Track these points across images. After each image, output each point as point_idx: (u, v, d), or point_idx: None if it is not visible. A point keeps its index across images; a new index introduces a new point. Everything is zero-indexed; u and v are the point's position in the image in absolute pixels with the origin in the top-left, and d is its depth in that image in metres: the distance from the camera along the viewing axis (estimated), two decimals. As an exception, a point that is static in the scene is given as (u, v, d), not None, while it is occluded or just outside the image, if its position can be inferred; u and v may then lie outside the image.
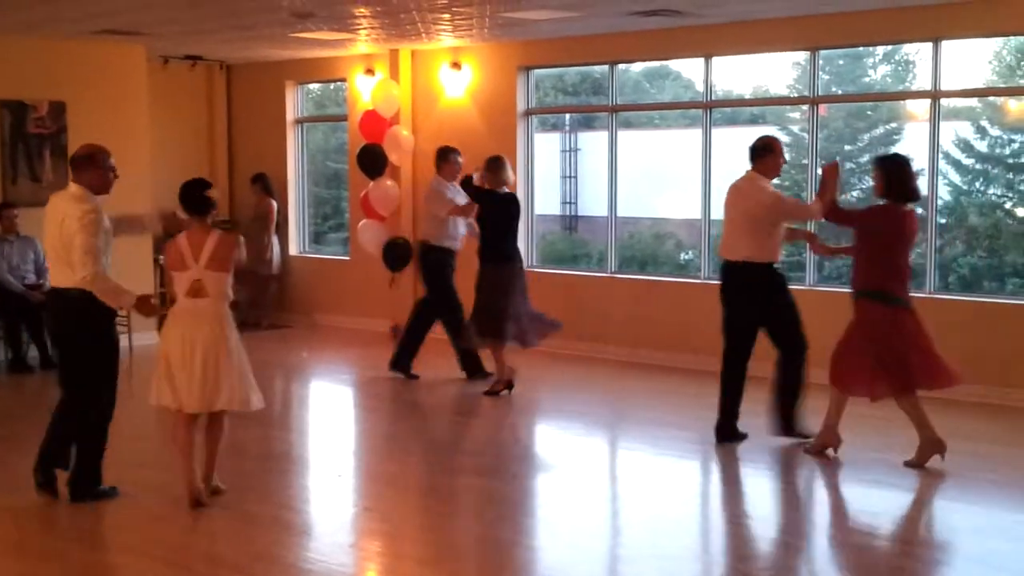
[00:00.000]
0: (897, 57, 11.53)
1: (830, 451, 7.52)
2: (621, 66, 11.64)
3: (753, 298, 7.74)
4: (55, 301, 6.57)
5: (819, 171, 10.01)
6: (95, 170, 6.60)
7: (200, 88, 14.22)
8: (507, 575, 5.64)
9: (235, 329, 6.52)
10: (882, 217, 7.30)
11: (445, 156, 9.94)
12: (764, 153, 7.73)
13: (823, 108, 10.75)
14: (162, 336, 6.55)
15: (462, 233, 9.98)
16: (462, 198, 9.67)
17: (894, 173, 7.29)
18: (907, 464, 7.25)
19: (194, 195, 6.49)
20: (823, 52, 10.32)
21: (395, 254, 12.33)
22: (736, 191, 7.79)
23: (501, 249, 9.36)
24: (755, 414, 8.04)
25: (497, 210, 9.38)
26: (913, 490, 7.14)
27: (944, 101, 9.63)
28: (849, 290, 7.53)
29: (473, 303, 9.42)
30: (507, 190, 9.46)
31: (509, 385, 9.45)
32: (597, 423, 9.00)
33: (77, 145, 11.36)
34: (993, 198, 11.29)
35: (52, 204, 6.61)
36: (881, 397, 7.37)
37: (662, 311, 10.88)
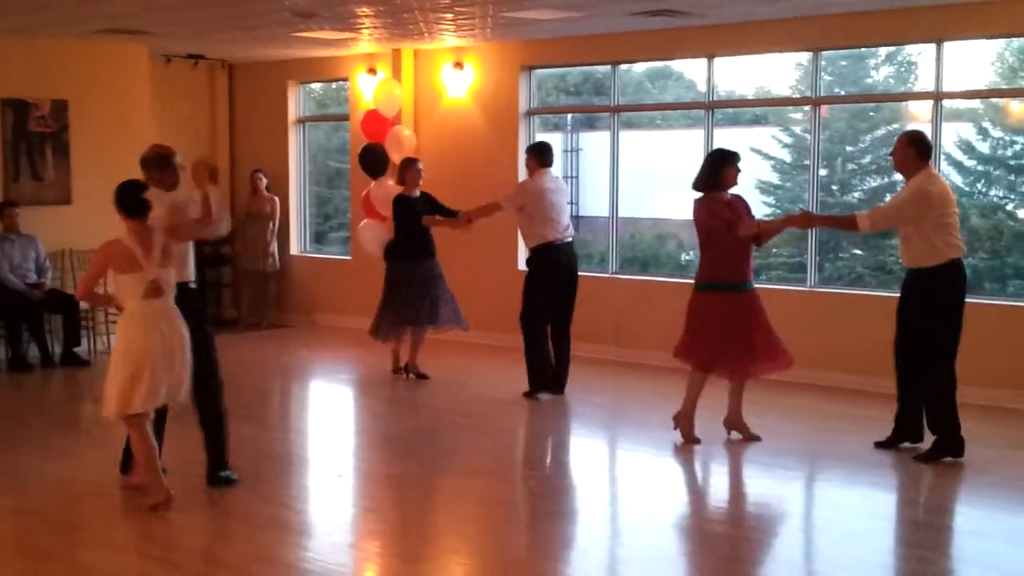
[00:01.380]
0: (899, 58, 11.55)
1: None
2: (623, 66, 11.64)
3: None
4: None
5: (820, 172, 10.01)
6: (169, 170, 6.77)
7: (202, 87, 14.22)
8: (506, 576, 5.64)
9: None
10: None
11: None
12: None
13: (825, 109, 10.76)
14: (133, 339, 6.33)
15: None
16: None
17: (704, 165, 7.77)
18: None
19: (131, 198, 6.36)
20: (825, 53, 10.32)
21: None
22: None
23: (414, 246, 9.96)
24: (758, 415, 8.04)
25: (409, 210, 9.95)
26: (913, 492, 7.14)
27: (946, 102, 9.62)
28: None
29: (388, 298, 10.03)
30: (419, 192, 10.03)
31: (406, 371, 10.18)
32: (597, 424, 9.00)
33: (79, 144, 11.59)
34: (995, 199, 11.30)
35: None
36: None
37: (663, 312, 10.85)
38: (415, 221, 9.90)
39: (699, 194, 7.76)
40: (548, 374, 9.34)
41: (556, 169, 9.91)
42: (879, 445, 7.61)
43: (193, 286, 6.78)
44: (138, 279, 6.25)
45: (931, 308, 7.28)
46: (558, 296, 9.27)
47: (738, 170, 7.76)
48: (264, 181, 13.55)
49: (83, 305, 11.04)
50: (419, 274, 9.94)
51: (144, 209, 6.34)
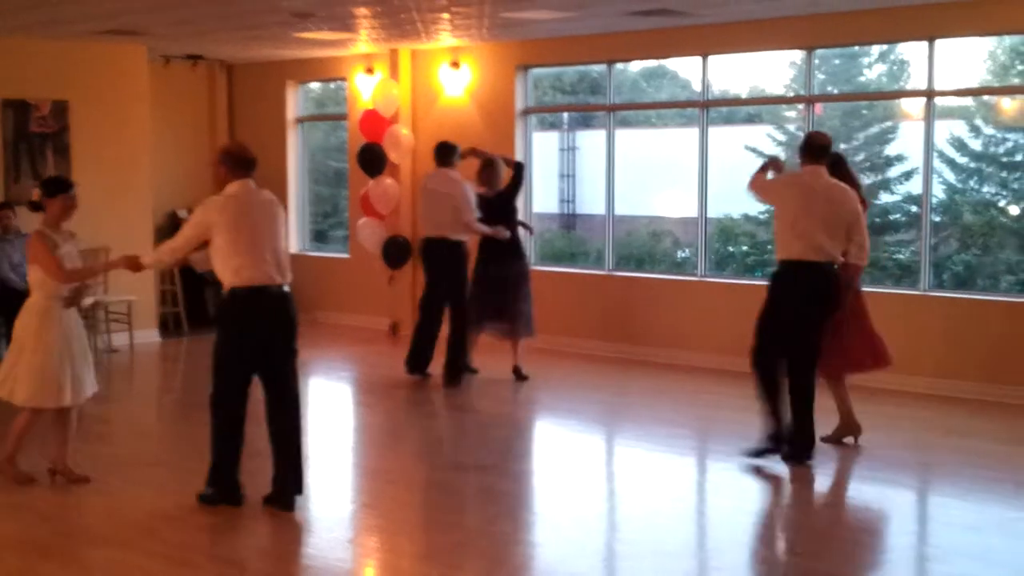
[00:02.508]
0: (892, 56, 11.61)
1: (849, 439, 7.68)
2: (619, 65, 11.71)
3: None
4: (285, 302, 6.39)
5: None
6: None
7: (201, 87, 14.28)
8: (506, 571, 5.69)
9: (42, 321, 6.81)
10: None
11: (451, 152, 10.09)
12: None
13: (819, 107, 10.82)
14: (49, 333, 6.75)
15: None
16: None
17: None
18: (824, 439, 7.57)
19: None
20: (819, 51, 10.38)
21: (394, 252, 12.42)
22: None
23: (503, 246, 9.68)
24: (748, 409, 8.10)
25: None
26: (909, 487, 7.21)
27: (938, 100, 9.68)
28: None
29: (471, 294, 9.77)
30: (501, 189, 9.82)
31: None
32: (594, 420, 9.07)
33: (79, 144, 11.64)
34: (987, 196, 11.36)
35: (257, 201, 6.44)
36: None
37: (659, 308, 10.95)
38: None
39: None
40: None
41: (553, 167, 10.04)
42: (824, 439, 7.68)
43: None
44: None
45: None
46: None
47: None
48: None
49: (84, 303, 11.09)
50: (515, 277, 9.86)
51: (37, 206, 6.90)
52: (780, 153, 12.61)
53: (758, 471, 7.30)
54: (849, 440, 7.70)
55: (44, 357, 6.68)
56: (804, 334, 7.19)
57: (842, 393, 7.64)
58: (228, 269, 6.24)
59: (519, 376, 9.88)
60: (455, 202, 9.59)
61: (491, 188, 9.88)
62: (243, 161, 6.45)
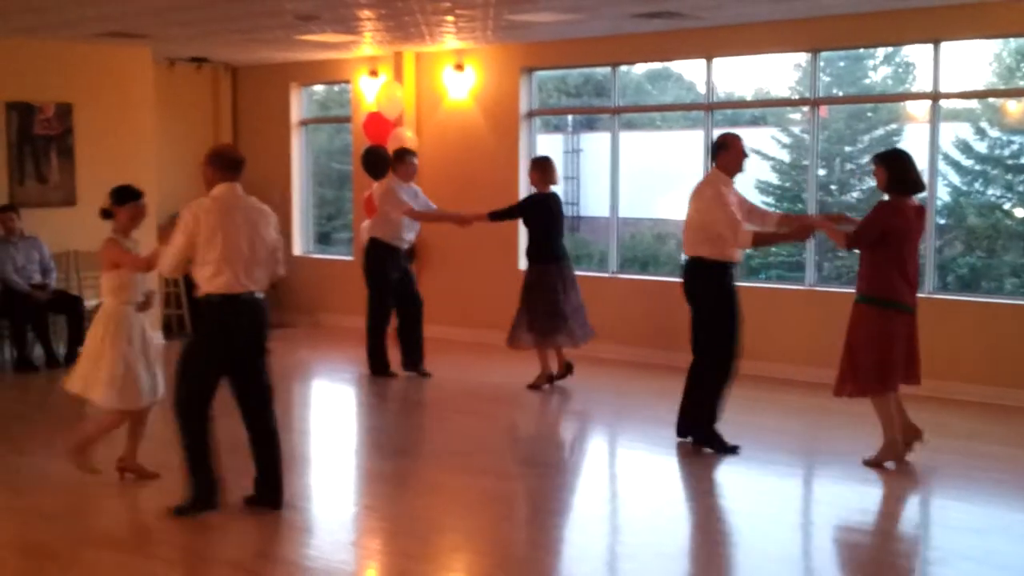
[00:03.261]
0: (897, 59, 11.60)
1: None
2: (623, 68, 11.70)
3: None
4: (256, 310, 6.35)
5: (819, 172, 10.06)
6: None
7: (206, 90, 14.30)
8: (508, 573, 5.68)
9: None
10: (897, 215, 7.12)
11: (402, 158, 10.25)
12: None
13: (824, 109, 10.81)
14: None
15: (412, 233, 10.35)
16: (416, 200, 10.14)
17: (896, 167, 7.15)
18: (867, 463, 7.32)
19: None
20: (824, 54, 10.37)
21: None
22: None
23: (548, 248, 9.60)
24: (755, 412, 8.09)
25: (540, 210, 9.63)
26: (913, 489, 7.19)
27: (944, 102, 9.68)
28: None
29: (523, 303, 9.64)
30: (552, 189, 9.75)
31: (550, 378, 9.76)
32: (597, 422, 9.06)
33: (83, 147, 11.66)
34: (992, 199, 11.34)
35: (239, 206, 6.28)
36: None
37: (663, 311, 10.92)
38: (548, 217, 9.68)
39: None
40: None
41: (558, 170, 10.02)
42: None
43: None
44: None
45: None
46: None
47: None
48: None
49: (88, 305, 11.12)
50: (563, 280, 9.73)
51: (107, 214, 6.97)
52: (784, 155, 12.62)
53: (759, 473, 7.29)
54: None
55: (124, 361, 6.81)
56: None
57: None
58: (202, 274, 6.21)
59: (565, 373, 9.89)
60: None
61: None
62: (230, 163, 6.36)
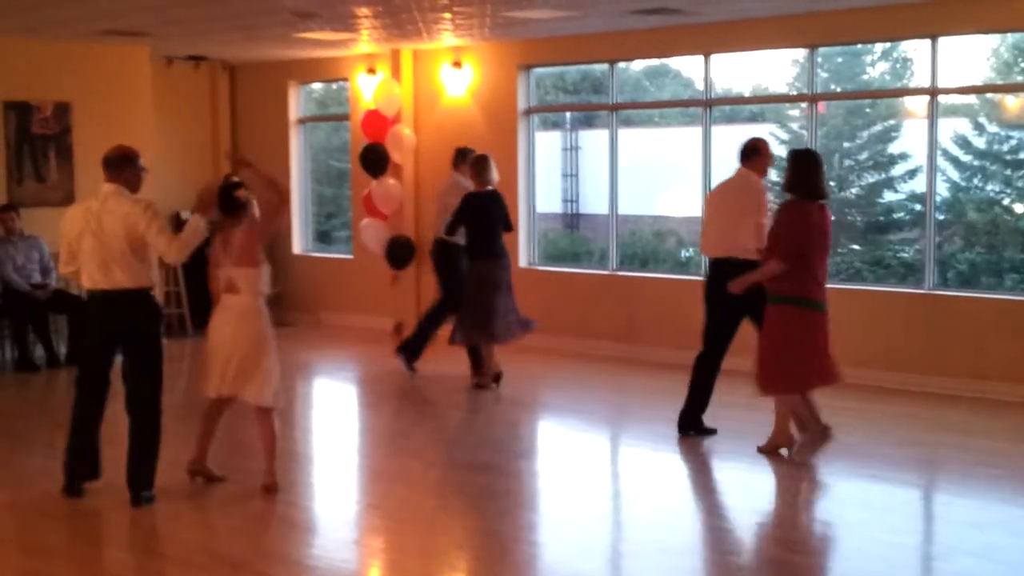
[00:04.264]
0: (895, 54, 11.59)
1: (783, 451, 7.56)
2: (621, 64, 11.70)
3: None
4: (123, 302, 6.51)
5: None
6: (131, 170, 6.62)
7: (204, 88, 14.29)
8: (510, 571, 5.69)
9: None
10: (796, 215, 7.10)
11: (464, 155, 10.04)
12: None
13: (822, 105, 10.81)
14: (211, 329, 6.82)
15: None
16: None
17: (802, 168, 7.14)
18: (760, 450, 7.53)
19: (224, 198, 6.74)
20: (822, 50, 10.37)
21: (398, 252, 12.42)
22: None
23: (484, 246, 9.55)
24: (755, 409, 8.10)
25: (477, 208, 9.55)
26: (912, 485, 7.20)
27: (942, 98, 9.68)
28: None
29: (462, 300, 9.65)
30: (491, 188, 9.63)
31: (497, 378, 9.73)
32: (598, 419, 9.07)
33: (82, 146, 11.65)
34: (991, 194, 11.34)
35: (98, 208, 6.47)
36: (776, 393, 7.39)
37: (663, 308, 10.94)
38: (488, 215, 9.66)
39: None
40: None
41: (556, 167, 10.04)
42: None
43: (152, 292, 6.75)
44: (222, 274, 6.67)
45: None
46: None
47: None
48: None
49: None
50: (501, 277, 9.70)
51: (236, 208, 6.69)
52: (782, 151, 12.63)
53: (762, 469, 7.30)
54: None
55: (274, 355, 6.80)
56: None
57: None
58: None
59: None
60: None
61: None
62: (104, 163, 6.60)
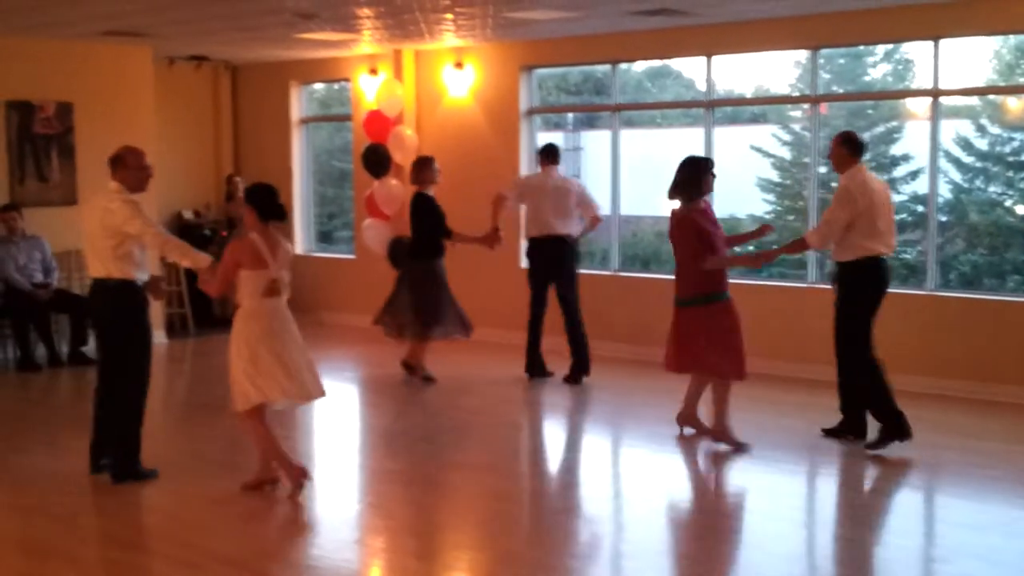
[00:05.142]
0: (897, 56, 11.61)
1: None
2: (623, 65, 11.70)
3: None
4: (96, 291, 6.95)
5: (819, 169, 10.09)
6: (125, 169, 6.90)
7: (205, 88, 14.31)
8: (510, 571, 5.70)
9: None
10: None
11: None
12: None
13: (824, 107, 10.81)
14: (252, 333, 6.64)
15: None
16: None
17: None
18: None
19: (270, 202, 6.71)
20: (824, 51, 10.37)
21: (400, 253, 12.41)
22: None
23: (434, 245, 9.94)
24: (758, 411, 8.10)
25: (428, 208, 9.92)
26: (914, 487, 7.20)
27: (944, 99, 9.67)
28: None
29: (392, 297, 10.15)
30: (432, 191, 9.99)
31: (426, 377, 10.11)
32: (599, 420, 9.07)
33: (84, 146, 11.66)
34: (993, 196, 11.35)
35: (91, 203, 7.06)
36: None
37: (665, 309, 10.91)
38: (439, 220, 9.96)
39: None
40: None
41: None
42: (827, 432, 7.85)
43: (140, 283, 6.98)
44: (262, 276, 6.59)
45: (843, 301, 7.60)
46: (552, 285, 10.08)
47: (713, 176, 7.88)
48: (241, 185, 13.56)
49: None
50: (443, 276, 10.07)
51: (281, 214, 6.72)
52: (784, 152, 12.62)
53: (761, 470, 7.30)
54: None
55: (234, 362, 6.74)
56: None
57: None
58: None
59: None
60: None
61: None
62: (110, 161, 6.97)
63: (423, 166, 10.03)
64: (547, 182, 10.01)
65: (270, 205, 6.66)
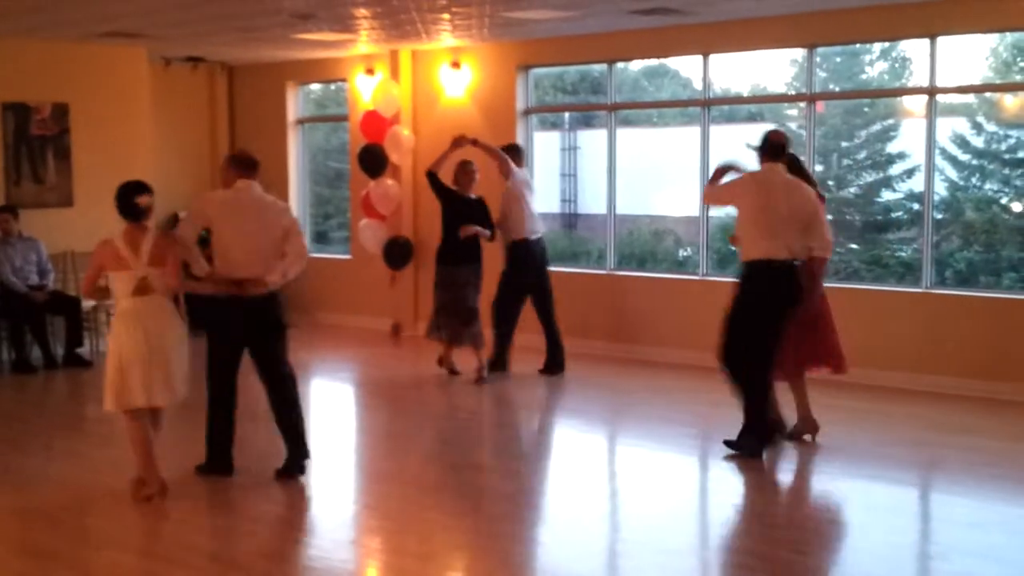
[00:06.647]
0: (894, 54, 11.58)
1: (807, 437, 7.75)
2: (619, 65, 11.70)
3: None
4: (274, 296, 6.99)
5: (816, 167, 10.07)
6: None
7: (202, 89, 14.29)
8: (508, 571, 5.69)
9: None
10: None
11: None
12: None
13: (820, 105, 10.81)
14: (120, 335, 6.59)
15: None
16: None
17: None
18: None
19: (124, 200, 6.65)
20: (820, 49, 10.37)
21: (396, 253, 12.41)
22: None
23: (459, 250, 9.82)
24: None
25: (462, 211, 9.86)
26: (912, 484, 7.20)
27: (940, 97, 9.68)
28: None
29: (434, 301, 9.94)
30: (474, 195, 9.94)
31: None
32: (597, 419, 9.06)
33: (80, 147, 11.68)
34: (989, 193, 11.33)
35: (248, 200, 6.94)
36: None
37: (661, 307, 10.94)
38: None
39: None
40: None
41: (555, 167, 10.08)
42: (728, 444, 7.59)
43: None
44: (128, 277, 6.53)
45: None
46: (533, 286, 10.18)
47: None
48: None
49: (85, 306, 11.12)
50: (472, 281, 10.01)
51: (135, 213, 6.60)
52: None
53: (761, 469, 7.30)
54: (807, 438, 7.79)
55: (107, 362, 6.71)
56: (771, 331, 7.32)
57: (802, 391, 7.74)
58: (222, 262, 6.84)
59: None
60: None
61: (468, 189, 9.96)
62: (243, 162, 7.09)
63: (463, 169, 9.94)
64: (527, 182, 10.14)
65: (123, 205, 6.63)
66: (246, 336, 6.93)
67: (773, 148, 7.47)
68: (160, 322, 6.57)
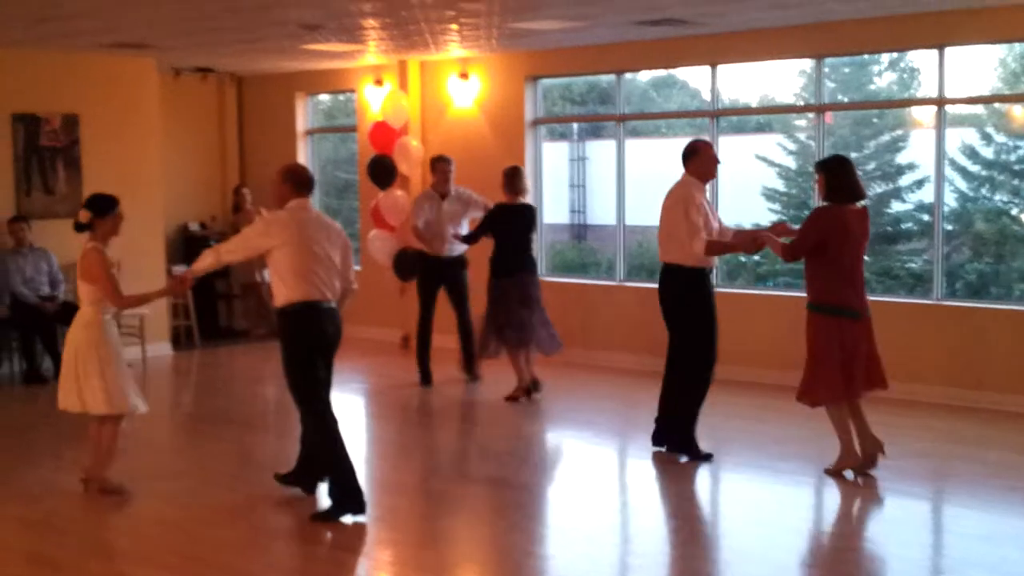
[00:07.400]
0: (902, 65, 11.60)
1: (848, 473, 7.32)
2: (628, 75, 11.71)
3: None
4: (333, 317, 6.72)
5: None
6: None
7: (211, 100, 14.33)
8: (517, 583, 5.69)
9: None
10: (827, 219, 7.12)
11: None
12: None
13: (829, 116, 10.80)
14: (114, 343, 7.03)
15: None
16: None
17: (836, 173, 7.25)
18: (828, 472, 7.29)
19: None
20: (829, 60, 10.37)
21: (405, 264, 12.40)
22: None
23: (514, 260, 9.56)
24: (762, 421, 8.08)
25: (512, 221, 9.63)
26: (924, 497, 7.17)
27: (949, 108, 9.66)
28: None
29: (487, 314, 9.62)
30: (522, 200, 9.66)
31: (527, 391, 9.66)
32: (607, 431, 9.05)
33: (90, 158, 11.68)
34: (999, 204, 11.33)
35: (316, 219, 6.69)
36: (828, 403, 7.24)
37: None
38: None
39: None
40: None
41: (564, 178, 10.05)
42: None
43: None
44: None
45: None
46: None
47: None
48: (249, 197, 13.58)
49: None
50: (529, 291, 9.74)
51: (78, 228, 6.95)
52: (790, 162, 12.60)
53: (769, 481, 7.28)
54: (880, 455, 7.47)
55: (112, 367, 6.90)
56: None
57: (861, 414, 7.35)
58: (285, 284, 6.50)
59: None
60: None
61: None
62: (302, 181, 6.67)
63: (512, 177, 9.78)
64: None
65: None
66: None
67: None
68: (75, 334, 6.87)
